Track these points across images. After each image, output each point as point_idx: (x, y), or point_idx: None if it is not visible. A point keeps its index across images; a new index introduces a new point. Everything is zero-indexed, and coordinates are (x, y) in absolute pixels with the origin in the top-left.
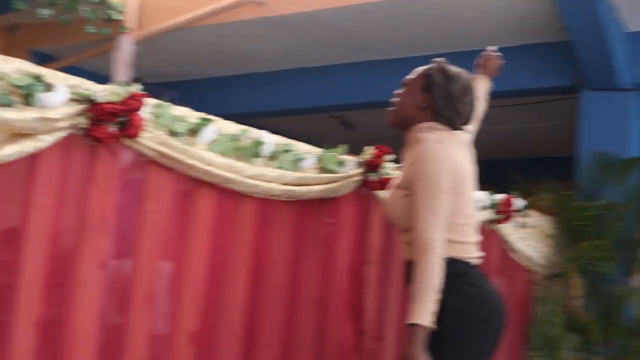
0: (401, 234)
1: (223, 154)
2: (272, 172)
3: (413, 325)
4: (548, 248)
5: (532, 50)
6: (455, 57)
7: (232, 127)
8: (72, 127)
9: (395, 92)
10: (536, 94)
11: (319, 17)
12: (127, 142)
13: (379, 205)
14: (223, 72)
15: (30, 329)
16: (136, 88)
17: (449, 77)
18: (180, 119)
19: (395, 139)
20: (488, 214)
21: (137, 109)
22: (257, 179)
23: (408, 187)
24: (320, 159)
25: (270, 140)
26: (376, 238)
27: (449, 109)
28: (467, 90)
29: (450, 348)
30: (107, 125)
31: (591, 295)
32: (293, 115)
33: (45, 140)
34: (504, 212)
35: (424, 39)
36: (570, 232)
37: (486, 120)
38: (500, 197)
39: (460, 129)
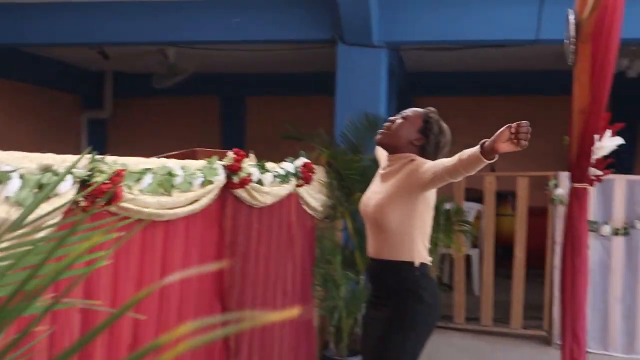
0: (378, 234)
1: (153, 193)
2: (181, 197)
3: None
4: (326, 197)
5: (299, 3)
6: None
7: (153, 164)
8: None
9: (391, 118)
10: (302, 43)
11: None
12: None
13: (229, 197)
14: None
15: None
16: (117, 163)
17: (441, 131)
18: (131, 172)
19: None
20: (293, 181)
21: (120, 182)
22: (173, 208)
23: (402, 192)
24: (203, 174)
25: (179, 172)
26: (227, 226)
27: (432, 154)
28: (448, 144)
29: (416, 336)
30: (99, 201)
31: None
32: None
33: (55, 224)
34: (305, 178)
35: None
36: (343, 181)
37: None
38: (300, 163)
39: None
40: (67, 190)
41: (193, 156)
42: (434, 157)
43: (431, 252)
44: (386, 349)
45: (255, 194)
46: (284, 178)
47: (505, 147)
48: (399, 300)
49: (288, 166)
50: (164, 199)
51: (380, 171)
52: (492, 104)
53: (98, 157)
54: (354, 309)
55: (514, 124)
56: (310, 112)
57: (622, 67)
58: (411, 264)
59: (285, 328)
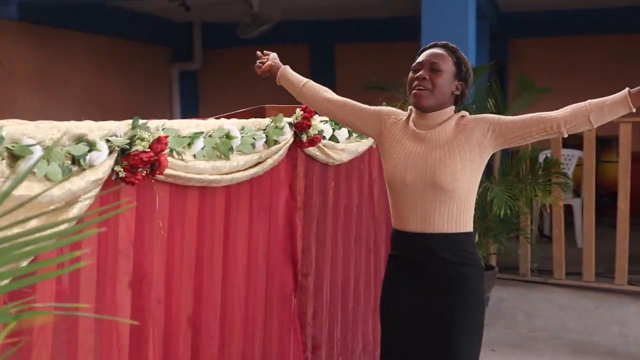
0: (435, 203)
1: (208, 158)
2: (240, 160)
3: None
4: None
5: None
6: None
7: (208, 127)
8: (109, 175)
9: (423, 74)
10: None
11: None
12: None
13: (301, 156)
14: None
15: None
16: (161, 128)
17: (470, 67)
18: (180, 136)
19: None
20: None
21: (163, 150)
22: (231, 173)
23: (473, 153)
24: (266, 134)
25: (237, 134)
26: (301, 186)
27: (464, 97)
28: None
29: (482, 314)
30: (141, 171)
31: None
32: None
33: (92, 197)
34: None
35: None
36: None
37: None
38: None
39: None
40: (102, 162)
41: (262, 113)
42: (464, 98)
43: (527, 203)
44: (460, 339)
45: (329, 151)
46: None
47: None
48: (463, 278)
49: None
50: (220, 163)
51: (412, 128)
52: (594, 44)
53: (141, 122)
54: None
55: None
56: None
57: None
58: (470, 234)
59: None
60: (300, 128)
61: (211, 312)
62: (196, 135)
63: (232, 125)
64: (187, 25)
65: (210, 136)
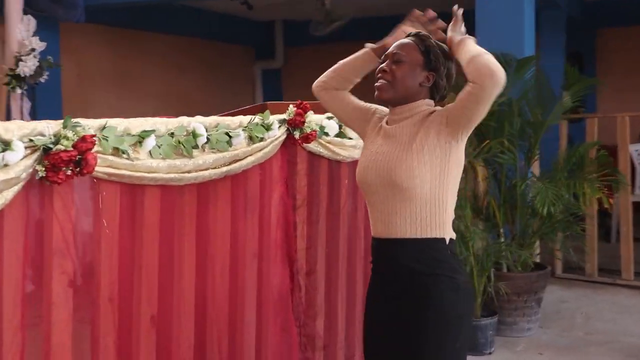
0: (395, 205)
1: (165, 156)
2: (209, 158)
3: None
4: None
5: None
6: None
7: (170, 125)
8: (30, 175)
9: (384, 67)
10: None
11: None
12: None
13: (302, 153)
14: None
15: None
16: (85, 129)
17: (445, 55)
18: (125, 134)
19: None
20: None
21: (90, 149)
22: (195, 171)
23: (433, 147)
24: (247, 130)
25: (203, 132)
26: (302, 184)
27: (445, 88)
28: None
29: (467, 325)
30: (64, 170)
31: (495, 184)
32: None
33: (7, 197)
34: None
35: None
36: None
37: None
38: None
39: None
40: (17, 161)
41: (263, 111)
42: (446, 92)
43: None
44: (424, 354)
45: (335, 148)
46: None
47: None
48: (428, 290)
49: None
50: (180, 162)
51: (384, 125)
52: None
53: (74, 121)
54: (487, 265)
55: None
56: None
57: None
58: (442, 241)
59: None
60: (293, 125)
61: (183, 310)
62: (146, 133)
63: (198, 123)
64: (269, 24)
65: (171, 134)
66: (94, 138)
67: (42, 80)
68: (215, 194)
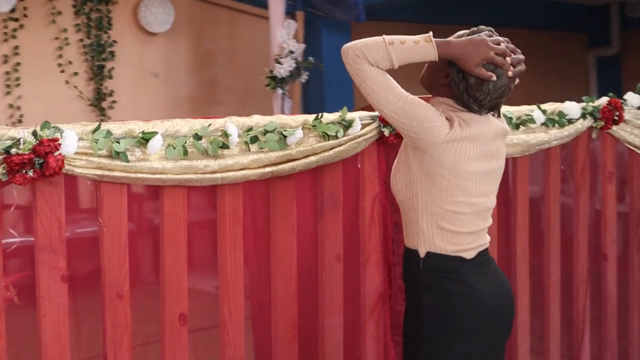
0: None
1: (178, 157)
2: (246, 158)
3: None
4: None
5: None
6: None
7: (194, 126)
8: None
9: None
10: None
11: None
12: (68, 171)
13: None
14: None
15: None
16: (47, 133)
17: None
18: (122, 137)
19: None
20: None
21: (49, 153)
22: (223, 172)
23: (404, 153)
24: (316, 128)
25: (234, 131)
26: None
27: (467, 90)
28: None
29: (430, 348)
30: (24, 173)
31: None
32: None
33: None
34: (606, 119)
35: None
36: None
37: None
38: (601, 102)
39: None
40: None
41: None
42: (471, 97)
43: None
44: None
45: None
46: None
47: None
48: (416, 303)
49: (570, 108)
50: (199, 163)
51: None
52: None
53: (53, 126)
54: None
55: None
56: None
57: None
58: (415, 253)
59: None
60: (385, 122)
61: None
62: (149, 134)
63: (230, 123)
64: (602, 8)
65: (196, 136)
66: (56, 142)
67: (301, 80)
68: (273, 194)
